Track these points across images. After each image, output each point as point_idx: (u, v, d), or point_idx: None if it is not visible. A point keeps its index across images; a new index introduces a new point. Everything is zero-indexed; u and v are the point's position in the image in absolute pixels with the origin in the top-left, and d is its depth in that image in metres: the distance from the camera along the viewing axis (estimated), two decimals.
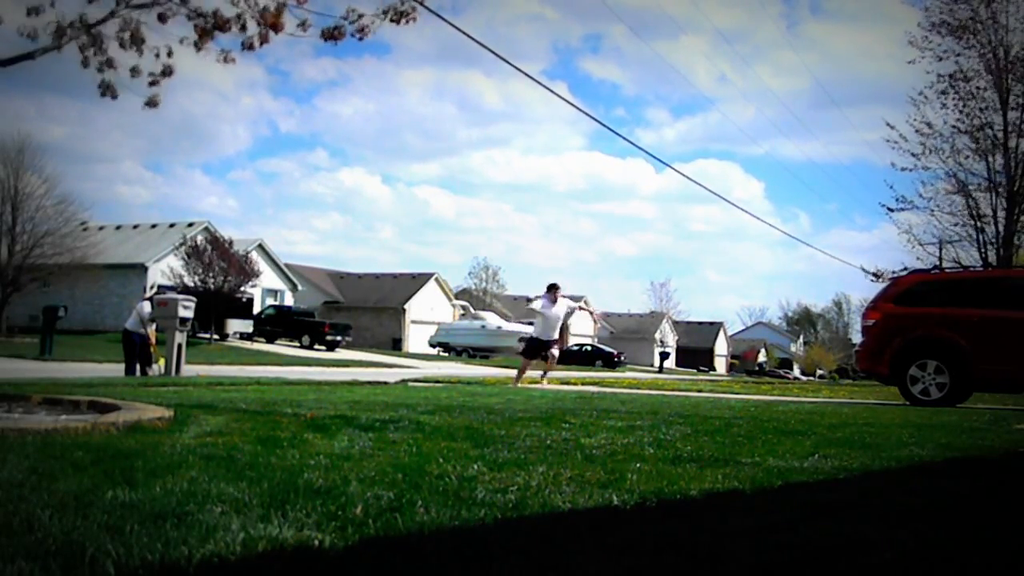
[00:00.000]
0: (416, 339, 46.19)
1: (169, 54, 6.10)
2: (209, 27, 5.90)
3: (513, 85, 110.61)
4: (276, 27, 6.00)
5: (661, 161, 65.26)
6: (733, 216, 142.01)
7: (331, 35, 6.11)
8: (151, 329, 13.28)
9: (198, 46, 5.98)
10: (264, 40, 6.08)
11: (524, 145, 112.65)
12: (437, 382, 12.16)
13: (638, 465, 2.97)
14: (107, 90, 6.13)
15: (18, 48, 5.84)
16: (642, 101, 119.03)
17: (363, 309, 48.08)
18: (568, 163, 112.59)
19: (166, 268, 33.28)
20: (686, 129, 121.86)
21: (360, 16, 6.14)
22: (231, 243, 34.65)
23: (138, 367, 13.42)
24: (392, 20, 6.14)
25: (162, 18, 6.01)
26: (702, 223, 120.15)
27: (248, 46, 6.15)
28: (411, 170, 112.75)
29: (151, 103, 6.38)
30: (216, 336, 32.58)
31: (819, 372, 72.01)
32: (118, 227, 42.26)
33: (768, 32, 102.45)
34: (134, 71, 6.12)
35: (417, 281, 49.27)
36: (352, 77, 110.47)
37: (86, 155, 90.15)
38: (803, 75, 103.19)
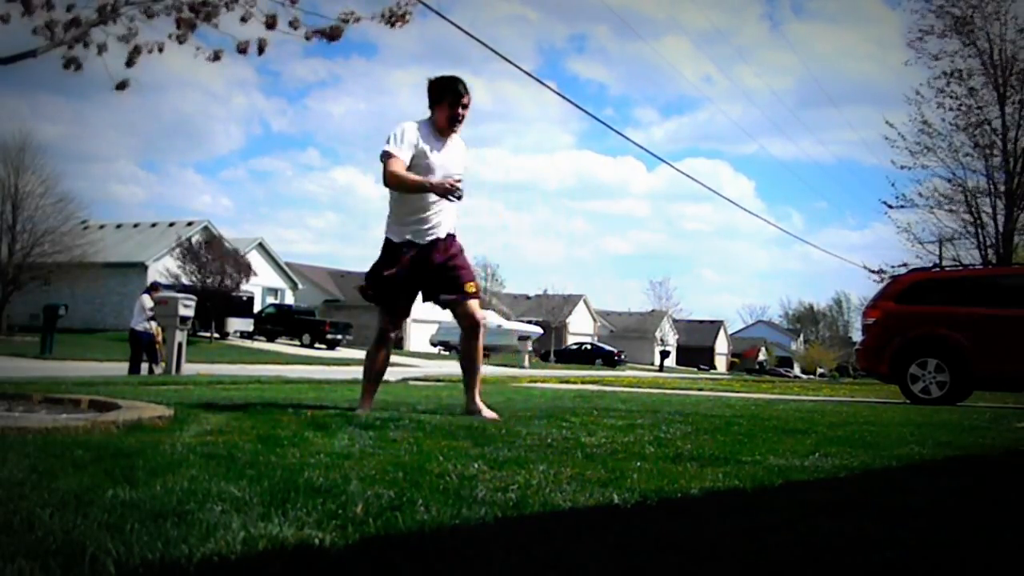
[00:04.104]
0: (417, 338, 46.20)
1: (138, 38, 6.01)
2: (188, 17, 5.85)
3: (502, 84, 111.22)
4: (271, 25, 5.98)
5: (657, 157, 65.15)
6: (726, 214, 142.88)
7: (330, 35, 6.10)
8: (155, 324, 13.32)
9: (180, 39, 5.92)
10: (261, 49, 6.06)
11: (514, 144, 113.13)
12: (438, 380, 12.16)
13: (639, 464, 2.97)
14: (71, 63, 6.07)
15: (17, 46, 5.81)
16: (630, 101, 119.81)
17: (364, 308, 48.01)
18: (559, 162, 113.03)
19: (166, 267, 33.30)
20: (675, 128, 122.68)
21: (358, 19, 6.12)
22: (219, 243, 34.70)
23: (146, 365, 13.50)
24: (388, 23, 6.14)
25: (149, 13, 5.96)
26: (695, 221, 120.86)
27: (242, 50, 6.12)
28: None
29: (121, 86, 6.33)
30: (216, 335, 32.61)
31: (819, 370, 72.01)
32: (118, 226, 42.31)
33: (752, 32, 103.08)
34: (101, 49, 6.05)
35: None
36: (342, 77, 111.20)
37: (80, 154, 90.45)
38: (789, 75, 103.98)
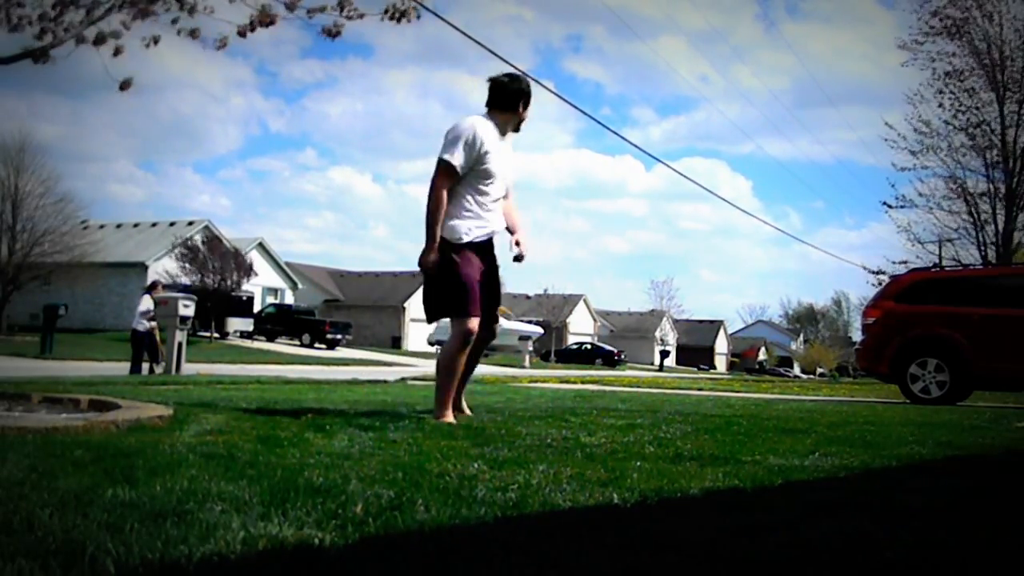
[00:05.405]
0: (415, 337, 46.22)
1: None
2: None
3: None
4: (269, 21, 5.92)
5: (654, 157, 65.59)
6: (723, 214, 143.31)
7: (330, 32, 6.07)
8: (154, 324, 13.36)
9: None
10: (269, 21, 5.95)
11: (512, 143, 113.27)
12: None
13: (638, 463, 2.97)
14: (41, 54, 5.99)
15: (15, 46, 5.78)
16: (627, 100, 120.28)
17: (363, 307, 48.11)
18: (557, 161, 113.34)
19: (166, 266, 33.31)
20: (671, 128, 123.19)
21: (362, 16, 6.07)
22: (221, 241, 34.72)
23: (147, 365, 13.55)
24: (393, 19, 6.09)
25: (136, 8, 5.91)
26: (692, 221, 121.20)
27: (241, 33, 6.07)
28: (400, 168, 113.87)
29: (124, 85, 6.26)
30: (216, 334, 32.60)
31: (819, 370, 71.99)
32: (118, 225, 42.31)
33: (748, 33, 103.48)
34: (79, 41, 5.97)
35: (416, 279, 49.15)
36: (338, 78, 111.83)
37: (78, 154, 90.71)
38: (785, 75, 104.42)
